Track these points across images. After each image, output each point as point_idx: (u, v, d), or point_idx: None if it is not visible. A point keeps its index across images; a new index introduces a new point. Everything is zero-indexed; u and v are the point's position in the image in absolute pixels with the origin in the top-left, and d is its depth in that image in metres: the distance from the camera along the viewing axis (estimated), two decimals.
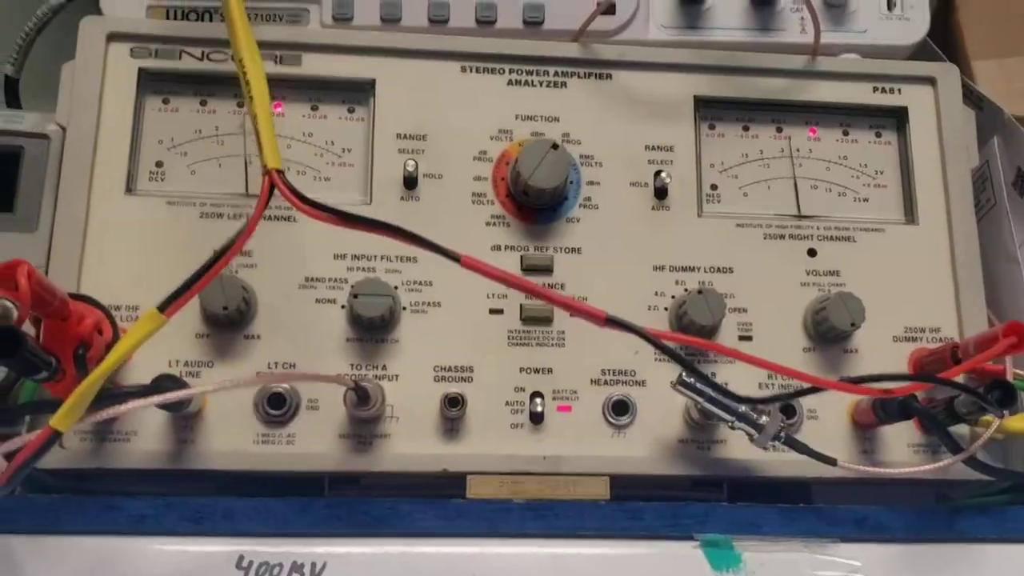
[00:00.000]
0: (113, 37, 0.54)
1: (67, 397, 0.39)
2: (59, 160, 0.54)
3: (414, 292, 0.53)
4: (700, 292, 0.52)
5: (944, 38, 0.72)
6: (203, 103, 0.55)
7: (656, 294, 0.54)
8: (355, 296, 0.50)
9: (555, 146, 0.53)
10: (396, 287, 0.52)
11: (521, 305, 0.53)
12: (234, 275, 0.51)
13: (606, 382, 0.52)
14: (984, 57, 0.71)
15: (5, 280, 0.38)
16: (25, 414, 0.46)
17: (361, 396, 0.47)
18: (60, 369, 0.41)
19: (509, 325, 0.53)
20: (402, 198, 0.54)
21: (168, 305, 0.39)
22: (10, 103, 0.67)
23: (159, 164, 0.54)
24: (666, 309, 0.54)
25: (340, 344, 0.52)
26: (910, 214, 0.57)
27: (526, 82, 0.57)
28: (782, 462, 0.51)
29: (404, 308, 0.52)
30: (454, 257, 0.41)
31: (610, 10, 0.57)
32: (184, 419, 0.49)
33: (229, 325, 0.51)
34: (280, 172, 0.41)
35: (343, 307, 0.52)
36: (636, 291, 0.54)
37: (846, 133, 0.58)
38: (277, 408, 0.49)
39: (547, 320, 0.53)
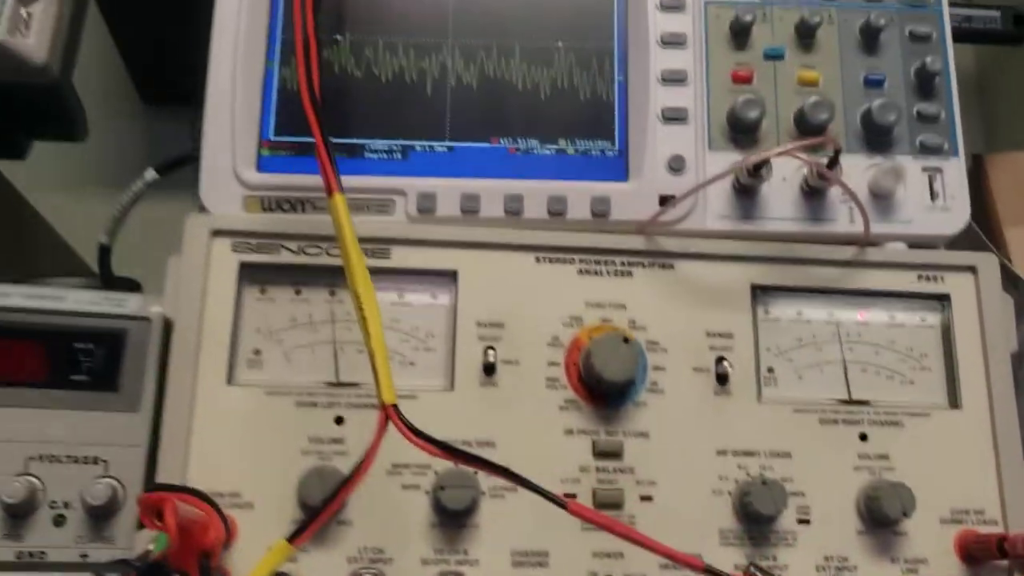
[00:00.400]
0: (217, 233, 0.59)
1: None
2: (160, 342, 0.58)
3: (492, 477, 0.56)
4: (764, 482, 0.56)
5: (976, 203, 0.76)
6: (298, 292, 0.59)
7: (720, 478, 0.58)
8: (442, 488, 0.54)
9: (626, 340, 0.57)
10: (475, 472, 0.56)
11: (594, 490, 0.57)
12: (330, 465, 0.55)
13: (675, 567, 0.56)
14: (1016, 224, 0.76)
15: (151, 511, 0.42)
16: None
17: None
18: None
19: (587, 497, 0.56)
20: (482, 384, 0.58)
21: (296, 537, 0.42)
22: (102, 270, 0.71)
23: (257, 352, 0.58)
24: (729, 494, 0.57)
25: (425, 529, 0.55)
26: (953, 398, 0.61)
27: (595, 272, 0.61)
28: None
29: (483, 493, 0.56)
30: (561, 504, 0.45)
31: (671, 202, 0.61)
32: None
33: None
34: (395, 407, 0.45)
35: (427, 493, 0.56)
36: (701, 476, 0.58)
37: (892, 318, 0.62)
38: None
39: (618, 505, 0.56)
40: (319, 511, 0.43)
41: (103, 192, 1.19)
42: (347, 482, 0.44)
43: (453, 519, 0.55)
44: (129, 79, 1.31)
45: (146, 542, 0.50)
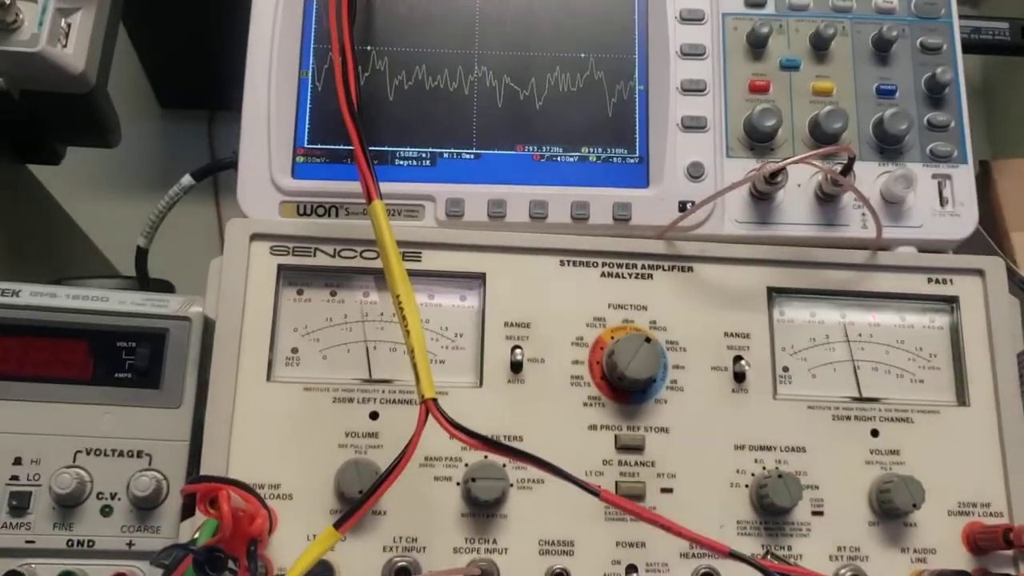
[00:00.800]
0: (256, 237, 0.61)
1: None
2: (200, 341, 0.61)
3: (520, 469, 0.59)
4: (780, 476, 0.58)
5: (982, 208, 0.79)
6: (333, 294, 0.62)
7: (737, 471, 0.60)
8: (473, 480, 0.57)
9: (648, 339, 0.59)
10: (504, 464, 0.58)
11: (617, 482, 0.59)
12: (365, 458, 0.57)
13: (694, 555, 0.58)
14: (1021, 228, 0.78)
15: (205, 499, 0.44)
16: None
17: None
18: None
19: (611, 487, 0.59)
20: (509, 381, 0.61)
21: (342, 523, 0.45)
22: (139, 271, 0.74)
23: (294, 350, 0.61)
24: (746, 486, 0.60)
25: (456, 519, 0.58)
26: (962, 396, 0.63)
27: (617, 274, 0.63)
28: None
29: (511, 485, 0.58)
30: (593, 492, 0.47)
31: (690, 208, 0.64)
32: None
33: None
34: (435, 401, 0.48)
35: (458, 484, 0.58)
36: (719, 469, 0.60)
37: (903, 319, 0.65)
38: None
39: (640, 497, 0.59)
40: (363, 499, 0.46)
41: (123, 194, 1.22)
42: (391, 472, 0.47)
43: (483, 509, 0.58)
44: (147, 83, 1.34)
45: (190, 532, 0.54)
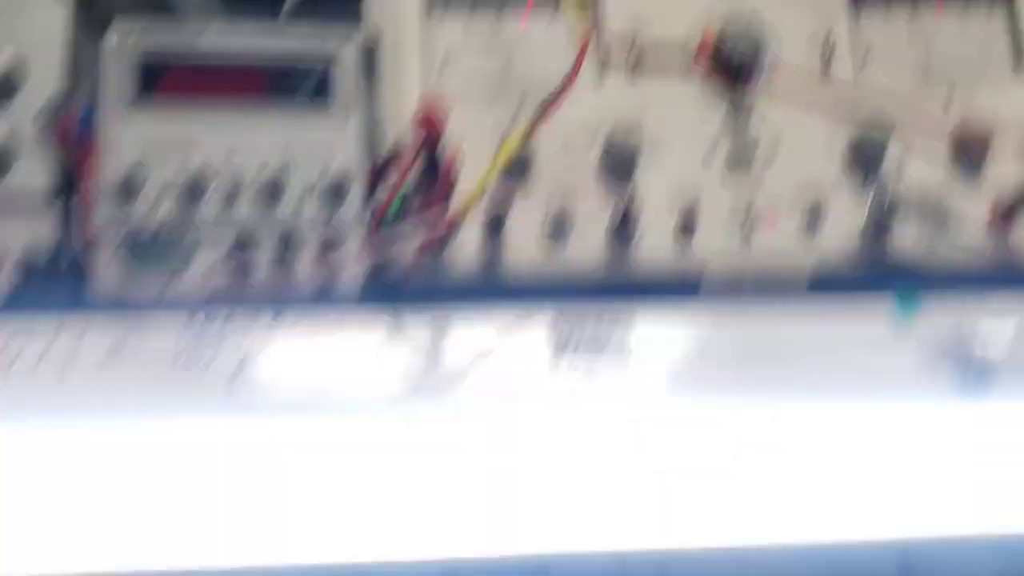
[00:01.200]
0: None
1: (435, 207, 0.58)
2: (362, 64, 0.71)
3: (649, 130, 0.70)
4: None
5: None
6: (472, 15, 0.73)
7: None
8: (609, 142, 0.68)
9: (750, 28, 0.70)
10: (637, 129, 0.69)
11: (728, 153, 0.71)
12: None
13: (803, 194, 0.69)
14: None
15: (430, 116, 0.56)
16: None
17: (626, 217, 0.66)
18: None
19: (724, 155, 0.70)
20: (628, 78, 0.71)
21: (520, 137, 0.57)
22: None
23: (445, 63, 0.72)
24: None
25: (596, 180, 0.69)
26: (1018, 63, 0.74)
27: None
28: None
29: (644, 148, 0.69)
30: None
31: None
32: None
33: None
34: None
35: (597, 149, 0.69)
36: (815, 142, 0.71)
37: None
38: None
39: (749, 161, 0.70)
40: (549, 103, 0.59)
41: None
42: (565, 84, 0.58)
43: (620, 170, 0.69)
44: None
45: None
